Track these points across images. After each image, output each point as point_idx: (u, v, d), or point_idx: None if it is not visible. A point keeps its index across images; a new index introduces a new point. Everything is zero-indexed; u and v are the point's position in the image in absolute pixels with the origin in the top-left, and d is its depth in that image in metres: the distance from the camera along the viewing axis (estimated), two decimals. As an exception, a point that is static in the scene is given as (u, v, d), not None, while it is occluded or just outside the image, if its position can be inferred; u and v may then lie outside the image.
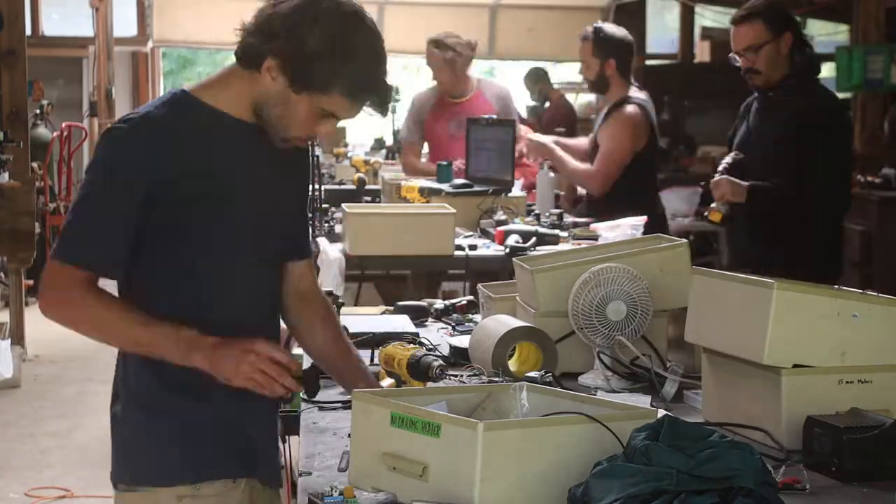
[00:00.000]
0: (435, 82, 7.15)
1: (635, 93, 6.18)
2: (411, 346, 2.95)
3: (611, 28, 6.35)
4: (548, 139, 6.47)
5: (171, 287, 2.51)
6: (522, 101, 12.35)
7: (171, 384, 2.57)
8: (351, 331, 3.28)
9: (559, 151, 6.27)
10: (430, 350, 3.10)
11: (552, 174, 6.39)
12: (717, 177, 4.57)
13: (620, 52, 6.19)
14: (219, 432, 2.58)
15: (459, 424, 2.15)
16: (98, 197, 2.43)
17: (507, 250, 5.35)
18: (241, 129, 2.49)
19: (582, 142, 6.65)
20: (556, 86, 13.68)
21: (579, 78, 6.90)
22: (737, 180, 4.51)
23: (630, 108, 6.08)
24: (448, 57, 6.97)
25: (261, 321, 2.61)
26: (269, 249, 2.61)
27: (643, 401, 2.90)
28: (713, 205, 4.59)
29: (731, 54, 4.68)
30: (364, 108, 2.46)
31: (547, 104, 12.50)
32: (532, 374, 3.00)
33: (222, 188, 2.48)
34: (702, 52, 13.42)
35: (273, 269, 2.66)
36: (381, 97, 2.45)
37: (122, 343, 2.58)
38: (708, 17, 13.93)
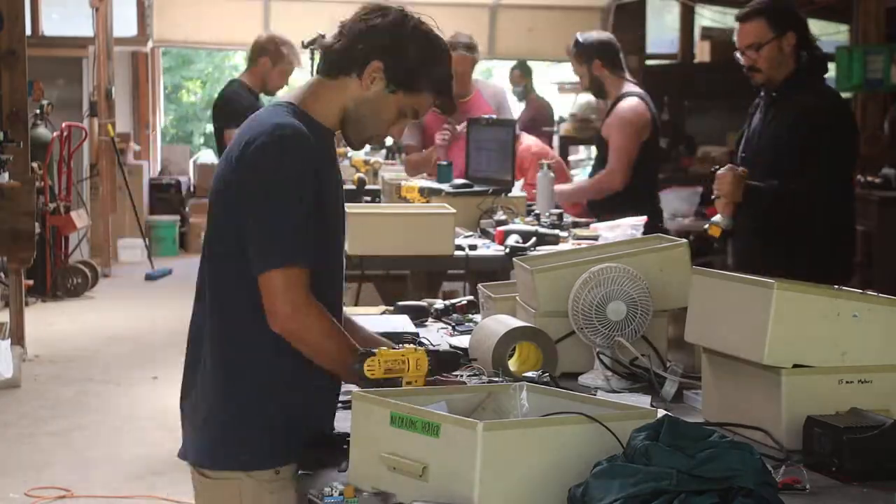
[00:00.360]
0: None
1: (631, 87, 6.27)
2: (406, 346, 2.92)
3: (587, 34, 6.55)
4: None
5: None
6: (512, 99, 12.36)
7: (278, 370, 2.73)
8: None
9: (568, 188, 6.51)
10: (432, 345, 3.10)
11: (552, 174, 6.39)
12: (721, 169, 4.52)
13: (602, 51, 6.33)
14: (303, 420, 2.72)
15: (459, 424, 2.16)
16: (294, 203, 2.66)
17: (507, 250, 5.35)
18: (331, 138, 2.81)
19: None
20: (556, 84, 13.69)
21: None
22: (740, 172, 4.47)
23: (631, 101, 6.25)
24: (475, 58, 7.04)
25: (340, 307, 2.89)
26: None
27: (643, 401, 2.90)
28: (713, 219, 4.54)
29: (735, 52, 4.69)
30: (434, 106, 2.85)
31: (523, 103, 12.64)
32: (530, 374, 3.00)
33: (337, 193, 2.80)
34: (702, 52, 13.41)
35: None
36: (452, 99, 2.90)
37: (335, 360, 2.72)
38: (708, 17, 13.93)
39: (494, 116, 6.86)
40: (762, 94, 4.72)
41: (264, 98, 7.43)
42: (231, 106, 6.95)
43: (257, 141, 2.65)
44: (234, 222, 2.68)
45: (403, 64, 2.71)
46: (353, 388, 2.62)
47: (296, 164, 2.64)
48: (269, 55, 7.20)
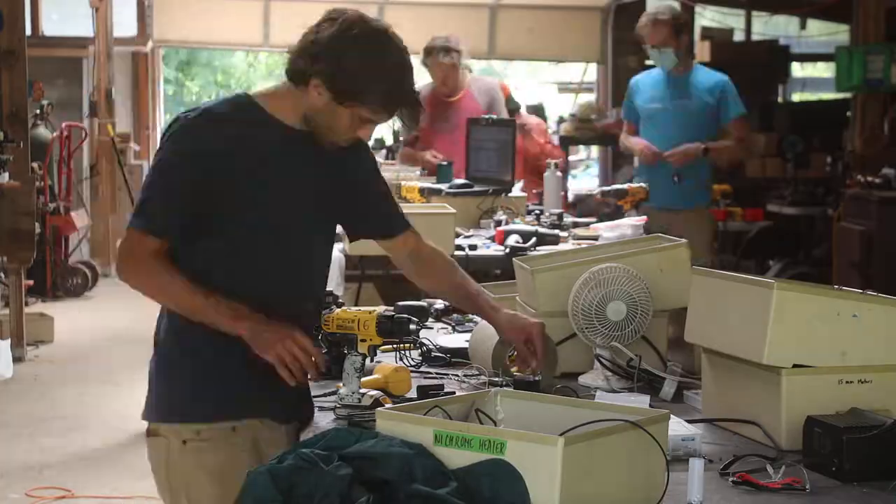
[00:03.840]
0: (429, 81, 7.17)
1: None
2: (363, 309, 3.07)
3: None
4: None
5: (228, 256, 2.84)
6: (523, 96, 12.33)
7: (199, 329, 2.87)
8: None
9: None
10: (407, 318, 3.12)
11: (559, 174, 6.41)
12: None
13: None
14: (239, 375, 2.85)
15: (532, 441, 2.06)
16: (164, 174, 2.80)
17: (507, 250, 5.35)
18: (283, 133, 2.84)
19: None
20: (556, 84, 13.67)
21: (578, 78, 6.93)
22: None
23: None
24: (455, 62, 7.03)
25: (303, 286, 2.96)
26: (319, 229, 2.97)
27: (642, 401, 2.90)
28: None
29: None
30: (395, 116, 2.85)
31: None
32: (518, 374, 3.01)
33: (278, 185, 2.83)
34: (702, 52, 13.41)
35: (324, 245, 3.02)
36: (411, 106, 2.82)
37: (180, 306, 2.91)
38: (708, 17, 13.93)
39: (494, 116, 6.86)
40: None
41: None
42: None
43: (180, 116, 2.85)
44: None
45: (342, 78, 2.73)
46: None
47: (185, 142, 2.78)
48: None
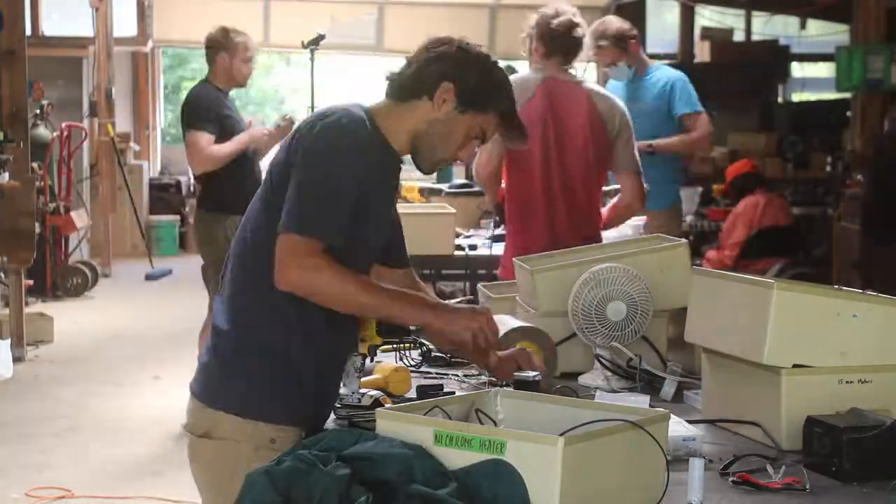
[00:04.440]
0: None
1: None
2: None
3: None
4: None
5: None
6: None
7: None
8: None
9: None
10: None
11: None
12: None
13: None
14: (312, 383, 2.79)
15: (532, 440, 2.06)
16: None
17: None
18: (397, 163, 2.91)
19: None
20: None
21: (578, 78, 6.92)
22: None
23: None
24: None
25: None
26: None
27: (642, 401, 2.90)
28: None
29: None
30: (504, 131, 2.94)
31: None
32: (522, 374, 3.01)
33: (388, 212, 2.97)
34: (702, 52, 13.41)
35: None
36: (521, 127, 2.94)
37: (365, 304, 2.77)
38: (708, 17, 13.93)
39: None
40: None
41: (238, 92, 7.37)
42: (193, 105, 6.76)
43: (325, 119, 2.75)
44: (283, 190, 2.73)
45: (472, 84, 2.83)
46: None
47: (353, 146, 2.73)
48: (225, 49, 7.02)
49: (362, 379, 3.01)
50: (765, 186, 9.08)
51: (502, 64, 2.95)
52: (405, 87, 2.87)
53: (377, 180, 2.82)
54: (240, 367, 2.80)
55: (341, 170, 2.72)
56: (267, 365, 2.78)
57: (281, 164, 2.78)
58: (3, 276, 9.50)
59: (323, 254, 2.67)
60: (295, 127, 2.85)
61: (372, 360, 3.16)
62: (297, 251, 2.66)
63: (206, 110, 6.62)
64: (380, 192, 2.85)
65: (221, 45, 6.98)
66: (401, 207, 5.87)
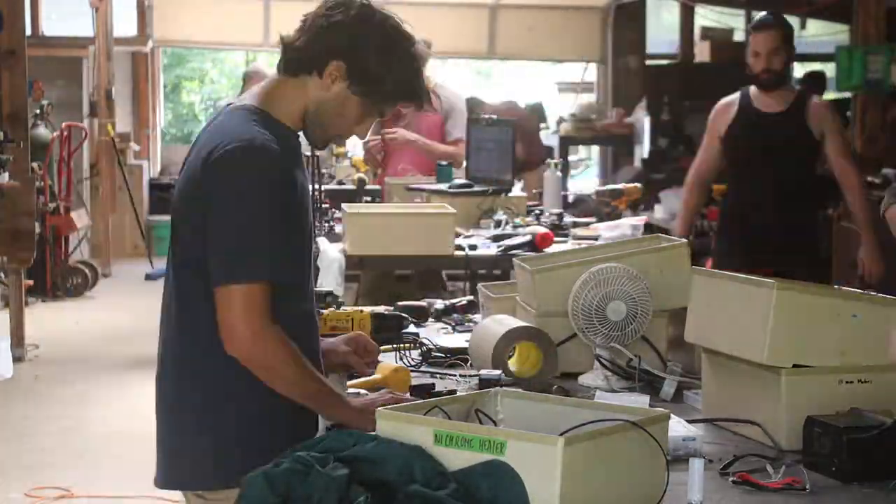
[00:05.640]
0: None
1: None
2: (355, 309, 3.12)
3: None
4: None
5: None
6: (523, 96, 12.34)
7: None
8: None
9: None
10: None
11: (559, 174, 6.41)
12: None
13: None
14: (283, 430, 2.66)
15: (533, 441, 2.05)
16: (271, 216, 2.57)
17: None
18: (296, 139, 2.72)
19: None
20: (555, 84, 13.61)
21: (578, 78, 6.91)
22: None
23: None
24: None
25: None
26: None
27: (642, 401, 2.90)
28: None
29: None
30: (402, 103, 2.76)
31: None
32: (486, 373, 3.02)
33: (304, 199, 2.71)
34: (702, 52, 13.40)
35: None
36: (420, 95, 2.72)
37: (306, 397, 2.65)
38: (708, 17, 13.93)
39: (495, 117, 6.88)
40: None
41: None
42: None
43: (222, 150, 2.55)
44: (198, 235, 2.58)
45: (365, 64, 2.62)
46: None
47: (264, 174, 2.54)
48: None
49: (362, 379, 3.02)
50: None
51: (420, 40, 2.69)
52: (293, 63, 2.66)
53: (293, 183, 2.63)
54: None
55: (257, 199, 2.52)
56: (231, 418, 2.68)
57: (186, 200, 2.62)
58: (3, 276, 9.50)
59: (264, 301, 2.51)
60: (194, 154, 2.65)
61: None
62: (243, 306, 2.50)
63: None
64: (299, 192, 2.66)
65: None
66: (401, 207, 5.91)
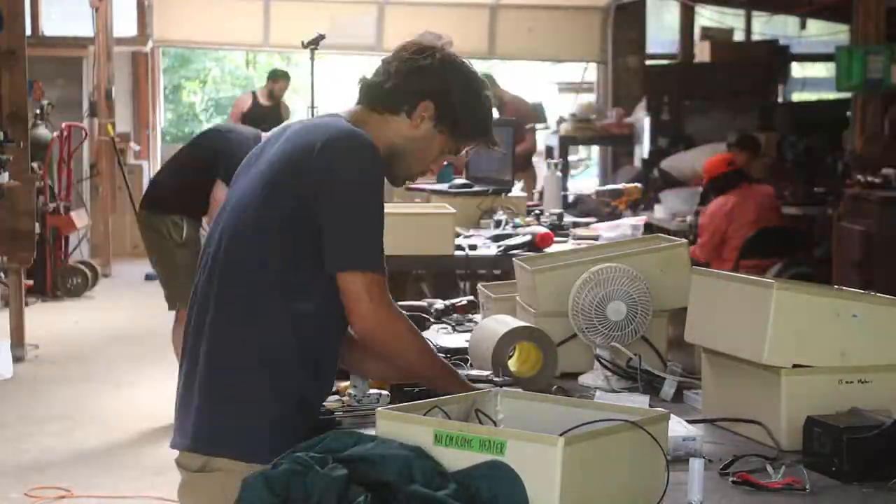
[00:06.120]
0: None
1: None
2: None
3: None
4: None
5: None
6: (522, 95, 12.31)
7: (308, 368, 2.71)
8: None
9: None
10: None
11: (559, 174, 6.41)
12: None
13: None
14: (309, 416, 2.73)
15: (532, 441, 2.06)
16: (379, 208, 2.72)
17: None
18: None
19: None
20: (556, 84, 13.63)
21: (578, 78, 6.91)
22: None
23: None
24: None
25: None
26: None
27: (642, 401, 2.90)
28: None
29: None
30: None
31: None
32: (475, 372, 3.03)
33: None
34: (702, 52, 13.41)
35: None
36: (492, 134, 2.89)
37: (418, 364, 2.79)
38: (708, 17, 13.93)
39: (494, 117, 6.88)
40: None
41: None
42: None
43: (337, 142, 2.66)
44: (294, 215, 2.65)
45: (452, 104, 2.78)
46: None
47: (377, 169, 2.69)
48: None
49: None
50: (747, 182, 8.86)
51: (482, 72, 2.89)
52: (382, 100, 2.80)
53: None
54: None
55: (376, 194, 2.69)
56: (272, 398, 2.67)
57: (288, 179, 2.67)
58: (3, 276, 9.50)
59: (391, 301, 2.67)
60: (289, 147, 2.72)
61: None
62: (373, 290, 2.64)
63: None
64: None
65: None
66: (401, 207, 5.90)
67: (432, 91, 2.77)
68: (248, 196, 2.74)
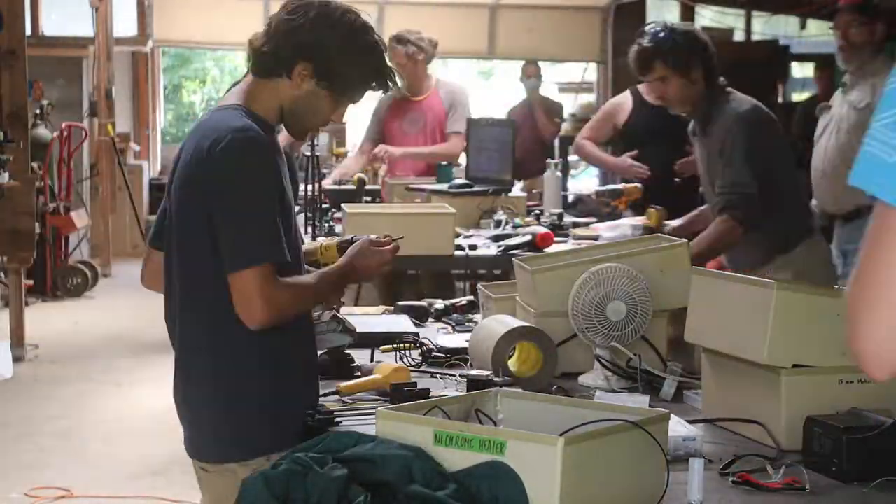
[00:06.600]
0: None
1: None
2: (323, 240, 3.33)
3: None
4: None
5: None
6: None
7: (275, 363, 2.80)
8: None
9: None
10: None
11: (559, 174, 6.40)
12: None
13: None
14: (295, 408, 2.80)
15: (532, 441, 2.06)
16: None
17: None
18: (273, 133, 2.88)
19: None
20: (555, 84, 13.59)
21: (578, 78, 6.91)
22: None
23: None
24: (410, 52, 7.01)
25: None
26: None
27: (641, 401, 2.90)
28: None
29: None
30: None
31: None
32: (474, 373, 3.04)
33: (285, 186, 2.84)
34: (702, 52, 13.40)
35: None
36: (386, 80, 2.88)
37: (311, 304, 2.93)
38: (708, 17, 13.93)
39: (494, 117, 6.88)
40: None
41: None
42: None
43: (222, 143, 2.71)
44: (202, 222, 2.74)
45: (330, 60, 2.78)
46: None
47: (263, 164, 2.73)
48: None
49: (362, 379, 3.04)
50: None
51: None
52: (263, 66, 2.83)
53: (281, 171, 2.80)
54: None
55: (261, 186, 2.71)
56: (254, 394, 2.80)
57: (186, 188, 2.77)
58: (3, 276, 9.50)
59: (274, 277, 2.69)
60: (191, 148, 2.79)
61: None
62: (259, 288, 2.67)
63: None
64: (284, 179, 2.82)
65: None
66: (401, 207, 5.90)
67: (306, 49, 2.77)
68: (174, 201, 2.85)
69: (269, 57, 2.80)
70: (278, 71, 2.80)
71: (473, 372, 3.04)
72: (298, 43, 2.77)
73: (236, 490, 2.58)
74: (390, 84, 2.89)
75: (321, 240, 3.34)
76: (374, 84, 2.87)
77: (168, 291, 2.90)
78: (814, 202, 5.59)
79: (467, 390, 2.84)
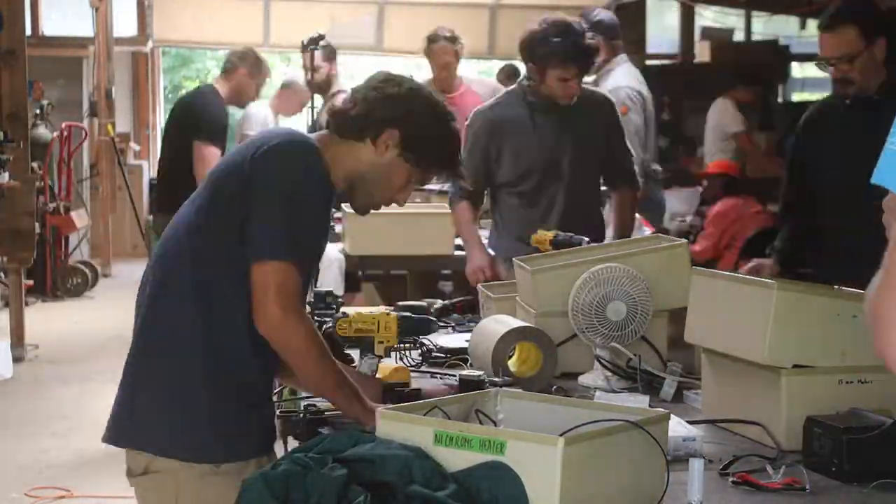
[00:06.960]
0: (426, 79, 7.17)
1: None
2: (376, 310, 3.19)
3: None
4: None
5: None
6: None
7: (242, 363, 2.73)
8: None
9: None
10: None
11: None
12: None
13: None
14: (251, 414, 2.76)
15: (533, 441, 2.06)
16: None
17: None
18: (331, 196, 2.82)
19: None
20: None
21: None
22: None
23: None
24: (458, 50, 7.06)
25: None
26: None
27: (642, 401, 2.90)
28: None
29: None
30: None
31: None
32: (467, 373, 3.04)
33: (326, 237, 2.88)
34: (702, 52, 13.40)
35: None
36: (457, 166, 2.92)
37: (321, 388, 2.77)
38: (708, 17, 13.92)
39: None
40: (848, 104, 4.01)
41: (233, 110, 7.39)
42: (207, 116, 6.72)
43: (280, 141, 2.72)
44: (236, 215, 2.68)
45: (417, 134, 2.78)
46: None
47: (318, 172, 2.71)
48: (248, 66, 7.02)
49: None
50: (738, 192, 8.84)
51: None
52: (348, 127, 2.81)
53: (330, 198, 2.79)
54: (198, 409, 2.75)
55: (308, 194, 2.69)
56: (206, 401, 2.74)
57: (232, 184, 2.72)
58: (3, 276, 9.50)
59: (299, 295, 2.65)
60: (244, 148, 2.77)
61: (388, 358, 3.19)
62: (283, 287, 2.61)
63: (219, 124, 6.71)
64: (329, 210, 2.84)
65: (246, 62, 7.02)
66: (401, 207, 5.86)
67: (397, 119, 2.77)
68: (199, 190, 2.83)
69: (356, 119, 2.79)
70: (364, 134, 2.79)
71: (464, 372, 3.04)
72: (392, 110, 2.78)
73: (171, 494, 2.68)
74: (459, 173, 2.95)
75: (373, 310, 3.17)
76: (446, 168, 2.90)
77: (145, 276, 2.87)
78: None
79: (460, 390, 2.83)
